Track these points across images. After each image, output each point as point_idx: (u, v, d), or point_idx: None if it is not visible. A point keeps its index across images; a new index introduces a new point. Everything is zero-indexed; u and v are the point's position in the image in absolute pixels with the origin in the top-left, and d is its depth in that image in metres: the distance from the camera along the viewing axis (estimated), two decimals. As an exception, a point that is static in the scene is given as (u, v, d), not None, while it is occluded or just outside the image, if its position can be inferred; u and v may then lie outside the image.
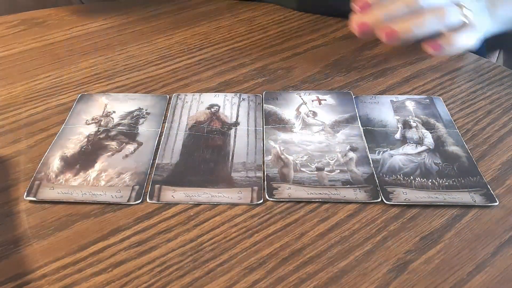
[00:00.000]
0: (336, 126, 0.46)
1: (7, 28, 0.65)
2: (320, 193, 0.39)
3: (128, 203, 0.38)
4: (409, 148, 0.44)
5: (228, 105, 0.49)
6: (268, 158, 0.43)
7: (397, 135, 0.45)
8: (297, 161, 0.42)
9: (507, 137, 0.45)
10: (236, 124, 0.47)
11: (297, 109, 0.49)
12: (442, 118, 0.47)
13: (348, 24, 0.50)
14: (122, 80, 0.54)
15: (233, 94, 0.51)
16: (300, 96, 0.50)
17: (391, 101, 0.50)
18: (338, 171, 0.41)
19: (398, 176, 0.41)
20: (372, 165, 0.42)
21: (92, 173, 0.41)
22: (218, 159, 0.43)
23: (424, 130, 0.46)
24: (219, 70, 0.55)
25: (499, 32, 0.49)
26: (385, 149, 0.43)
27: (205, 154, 0.43)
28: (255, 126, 0.47)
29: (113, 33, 0.63)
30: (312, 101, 0.50)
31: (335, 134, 0.45)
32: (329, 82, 0.53)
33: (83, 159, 0.42)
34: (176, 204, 0.38)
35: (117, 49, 0.60)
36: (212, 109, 0.49)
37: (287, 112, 0.48)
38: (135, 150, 0.44)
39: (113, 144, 0.44)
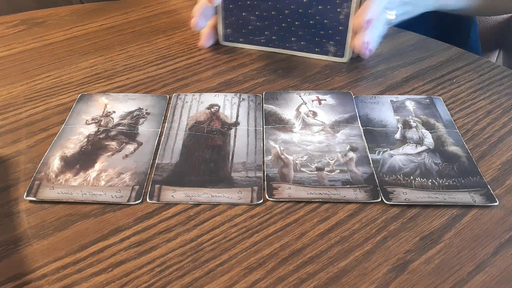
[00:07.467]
0: (336, 126, 0.46)
1: (7, 28, 0.65)
2: (320, 193, 0.39)
3: (128, 203, 0.38)
4: (409, 148, 0.44)
5: (228, 105, 0.49)
6: (268, 158, 0.43)
7: (397, 135, 0.45)
8: (297, 161, 0.42)
9: (507, 137, 0.45)
10: (236, 124, 0.47)
11: (297, 109, 0.49)
12: (442, 118, 0.47)
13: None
14: (122, 80, 0.54)
15: (233, 94, 0.51)
16: (300, 96, 0.50)
17: (391, 101, 0.50)
18: (338, 171, 0.41)
19: (398, 176, 0.41)
20: (372, 165, 0.42)
21: (92, 173, 0.41)
22: (218, 159, 0.43)
23: (424, 130, 0.46)
24: (219, 70, 0.55)
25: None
26: (385, 149, 0.43)
27: (205, 154, 0.43)
28: (255, 126, 0.47)
29: (113, 33, 0.63)
30: (312, 101, 0.50)
31: (335, 134, 0.45)
32: (329, 82, 0.53)
33: (83, 159, 0.42)
34: (176, 204, 0.38)
35: (117, 49, 0.60)
36: (212, 109, 0.49)
37: (287, 112, 0.48)
38: (135, 150, 0.44)
39: (113, 144, 0.44)
